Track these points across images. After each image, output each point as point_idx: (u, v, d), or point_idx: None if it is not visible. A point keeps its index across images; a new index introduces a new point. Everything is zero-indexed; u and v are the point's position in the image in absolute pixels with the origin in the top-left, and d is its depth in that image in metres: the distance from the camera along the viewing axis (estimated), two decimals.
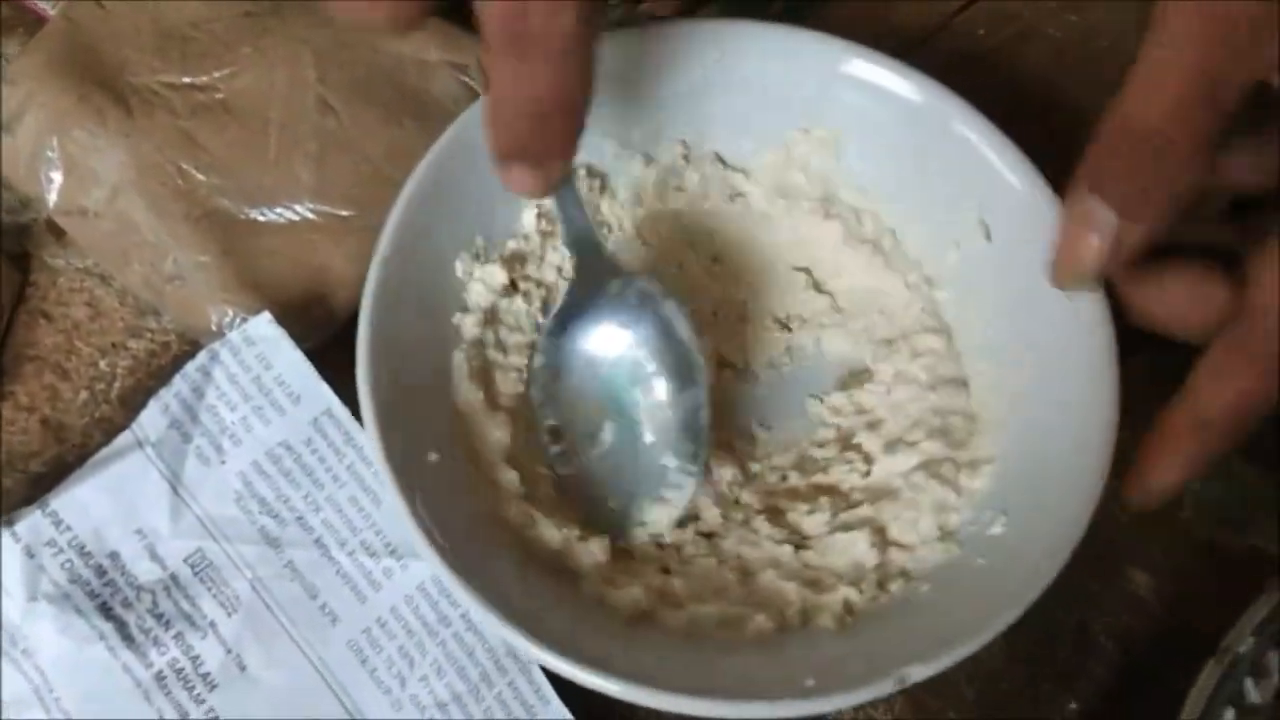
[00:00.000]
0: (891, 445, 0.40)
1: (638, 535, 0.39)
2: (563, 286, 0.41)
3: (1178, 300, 0.35)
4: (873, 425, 0.41)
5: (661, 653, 0.35)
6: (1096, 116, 0.33)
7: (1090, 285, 0.35)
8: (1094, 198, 0.32)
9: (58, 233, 0.44)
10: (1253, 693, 0.31)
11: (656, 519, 0.39)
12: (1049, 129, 0.45)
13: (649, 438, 0.39)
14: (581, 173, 0.42)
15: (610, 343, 0.38)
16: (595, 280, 0.38)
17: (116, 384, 0.43)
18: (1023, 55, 0.50)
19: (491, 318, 0.40)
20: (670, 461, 0.38)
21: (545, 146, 0.32)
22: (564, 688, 0.37)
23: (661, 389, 0.38)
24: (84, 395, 0.42)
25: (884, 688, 0.33)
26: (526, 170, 0.32)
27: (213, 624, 0.37)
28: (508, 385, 0.39)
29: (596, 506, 0.39)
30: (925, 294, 0.42)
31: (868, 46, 0.41)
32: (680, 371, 0.38)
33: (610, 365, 0.39)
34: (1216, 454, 0.35)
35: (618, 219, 0.43)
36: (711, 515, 0.39)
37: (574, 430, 0.39)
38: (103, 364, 0.43)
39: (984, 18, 0.51)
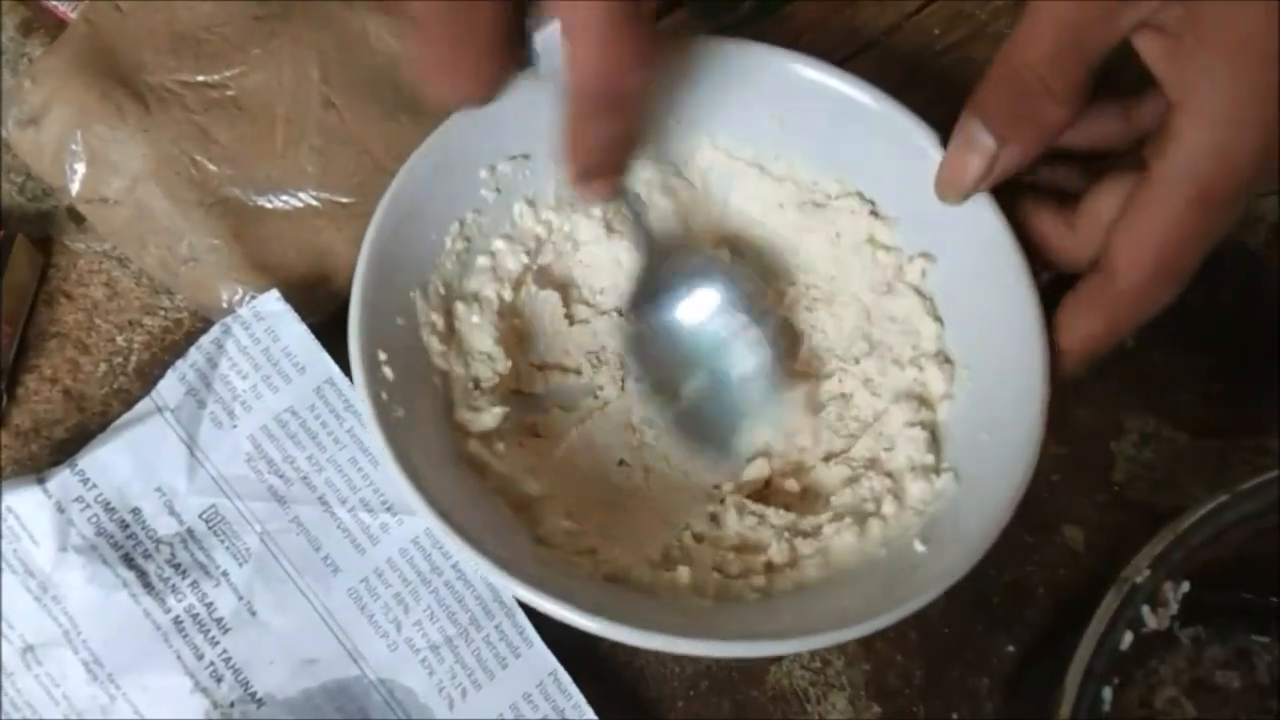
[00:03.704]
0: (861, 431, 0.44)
1: (742, 461, 0.44)
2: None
3: (1030, 236, 0.40)
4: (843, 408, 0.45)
5: (647, 603, 0.39)
6: None
7: (965, 199, 0.40)
8: (978, 123, 0.38)
9: (78, 219, 0.48)
10: (1150, 618, 0.35)
11: (755, 440, 0.44)
12: None
13: (737, 375, 0.44)
14: None
15: (683, 305, 0.44)
16: (658, 258, 0.43)
17: (133, 357, 0.46)
18: (976, 52, 0.54)
19: (456, 347, 0.43)
20: (758, 390, 0.44)
21: (618, 166, 0.39)
22: (546, 632, 0.40)
23: (736, 332, 0.44)
24: (103, 368, 0.46)
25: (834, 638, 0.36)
26: (603, 184, 0.39)
27: (225, 573, 0.41)
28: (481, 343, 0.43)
29: (704, 443, 0.44)
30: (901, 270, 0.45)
31: (816, 56, 0.44)
32: (743, 318, 0.44)
33: (688, 323, 0.44)
34: (1075, 374, 0.39)
35: (525, 270, 0.46)
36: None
37: (671, 384, 0.44)
38: (120, 339, 0.46)
39: (941, 17, 0.54)
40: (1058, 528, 0.46)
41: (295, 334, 0.42)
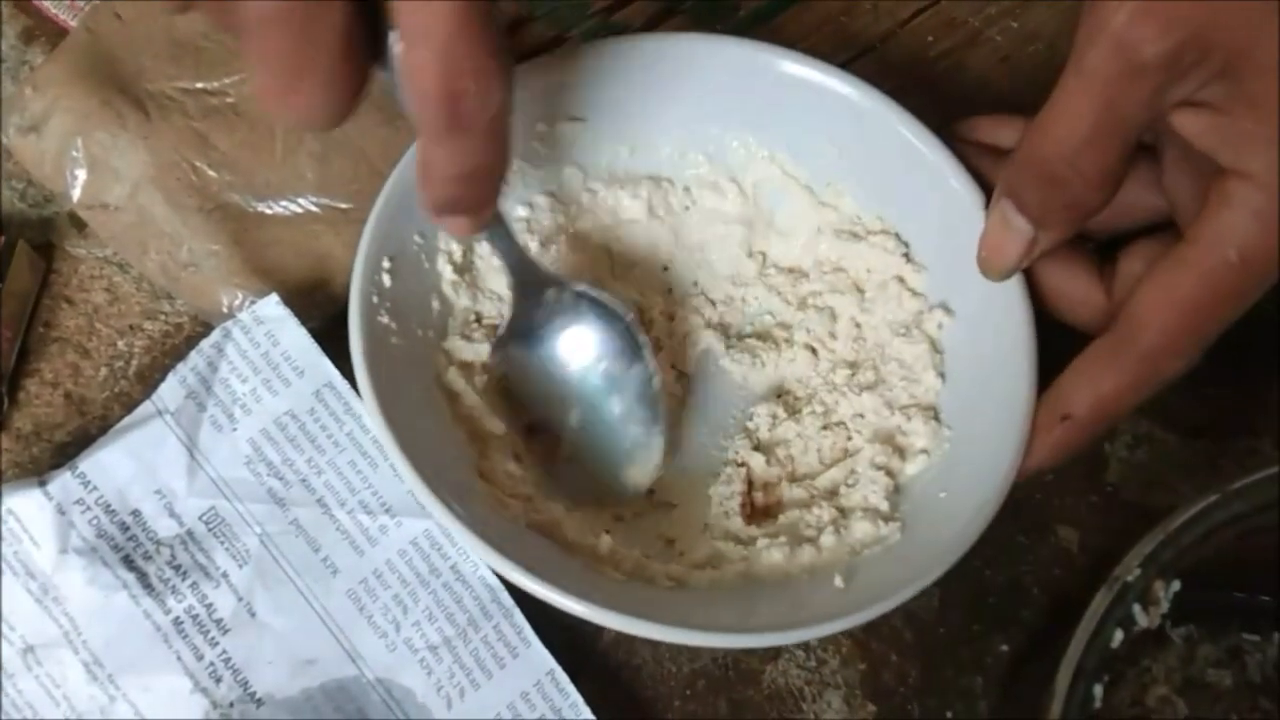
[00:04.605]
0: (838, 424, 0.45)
1: (622, 498, 0.43)
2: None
3: (1064, 297, 0.40)
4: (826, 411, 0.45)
5: (645, 595, 0.39)
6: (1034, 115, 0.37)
7: (1008, 276, 0.39)
8: (1012, 207, 0.37)
9: (79, 224, 0.48)
10: (1140, 617, 0.36)
11: (635, 481, 0.43)
12: None
13: (613, 413, 0.43)
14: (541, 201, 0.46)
15: (559, 342, 0.43)
16: (534, 293, 0.42)
17: (134, 362, 0.46)
18: (969, 59, 0.54)
19: (470, 282, 0.44)
20: (635, 429, 0.43)
21: (476, 201, 0.35)
22: (543, 632, 0.40)
23: (613, 368, 0.43)
24: (104, 372, 0.46)
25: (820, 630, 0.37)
26: (461, 219, 0.35)
27: (225, 575, 0.41)
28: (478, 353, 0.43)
29: (584, 483, 0.43)
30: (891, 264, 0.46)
31: (808, 54, 0.45)
32: (626, 351, 0.43)
33: (564, 361, 0.43)
34: (1077, 446, 0.39)
35: (559, 231, 0.47)
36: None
37: (547, 424, 0.43)
38: (121, 344, 0.47)
39: (934, 24, 0.55)
40: (1052, 528, 0.46)
41: (294, 338, 0.42)
